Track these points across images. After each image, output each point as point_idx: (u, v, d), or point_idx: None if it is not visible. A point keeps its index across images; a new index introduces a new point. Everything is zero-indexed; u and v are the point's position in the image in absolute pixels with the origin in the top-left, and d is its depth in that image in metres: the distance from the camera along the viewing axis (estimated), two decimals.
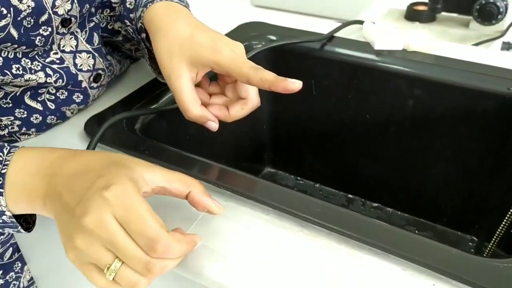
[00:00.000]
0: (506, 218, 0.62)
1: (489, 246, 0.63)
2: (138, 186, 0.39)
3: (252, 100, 0.53)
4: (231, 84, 0.54)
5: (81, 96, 0.61)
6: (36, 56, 0.55)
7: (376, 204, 0.85)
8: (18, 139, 0.60)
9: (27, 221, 0.47)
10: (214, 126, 0.52)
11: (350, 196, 0.87)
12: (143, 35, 0.57)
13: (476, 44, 0.96)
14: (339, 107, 0.80)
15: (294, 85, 0.46)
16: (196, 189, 0.43)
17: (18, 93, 0.56)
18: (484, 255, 0.66)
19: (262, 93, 0.54)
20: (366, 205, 0.85)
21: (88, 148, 0.52)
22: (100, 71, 0.62)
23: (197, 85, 0.54)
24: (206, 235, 0.44)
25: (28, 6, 0.49)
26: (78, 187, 0.39)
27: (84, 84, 0.60)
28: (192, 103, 0.50)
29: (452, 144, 0.73)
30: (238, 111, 0.53)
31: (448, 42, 0.80)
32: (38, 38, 0.53)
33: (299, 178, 0.92)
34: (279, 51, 0.78)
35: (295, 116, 0.87)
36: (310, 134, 0.87)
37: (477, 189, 0.75)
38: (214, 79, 0.56)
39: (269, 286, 0.40)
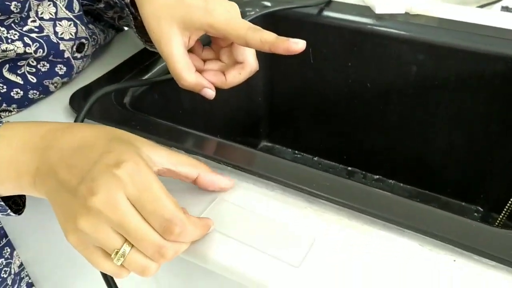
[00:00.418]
0: None
1: (500, 218, 0.61)
2: (149, 165, 0.35)
3: (250, 63, 0.49)
4: (226, 48, 0.50)
5: (64, 68, 0.57)
6: (13, 24, 0.50)
7: (377, 176, 0.82)
8: None
9: (16, 203, 0.43)
10: (210, 93, 0.49)
11: (350, 169, 0.85)
12: None
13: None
14: (338, 76, 0.76)
15: (297, 45, 0.42)
16: (204, 171, 0.40)
17: None
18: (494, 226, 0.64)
19: None
20: (367, 177, 0.83)
21: None
22: (83, 40, 0.58)
23: (189, 50, 0.49)
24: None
25: None
26: (79, 162, 0.34)
27: (66, 54, 0.56)
28: (185, 69, 0.46)
29: (457, 112, 0.70)
30: (236, 77, 0.49)
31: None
32: (13, 3, 0.48)
33: (296, 151, 0.89)
34: (274, 17, 0.74)
35: (291, 87, 0.83)
36: (308, 106, 0.83)
37: (482, 158, 0.72)
38: (207, 44, 0.52)
39: (280, 268, 0.37)
